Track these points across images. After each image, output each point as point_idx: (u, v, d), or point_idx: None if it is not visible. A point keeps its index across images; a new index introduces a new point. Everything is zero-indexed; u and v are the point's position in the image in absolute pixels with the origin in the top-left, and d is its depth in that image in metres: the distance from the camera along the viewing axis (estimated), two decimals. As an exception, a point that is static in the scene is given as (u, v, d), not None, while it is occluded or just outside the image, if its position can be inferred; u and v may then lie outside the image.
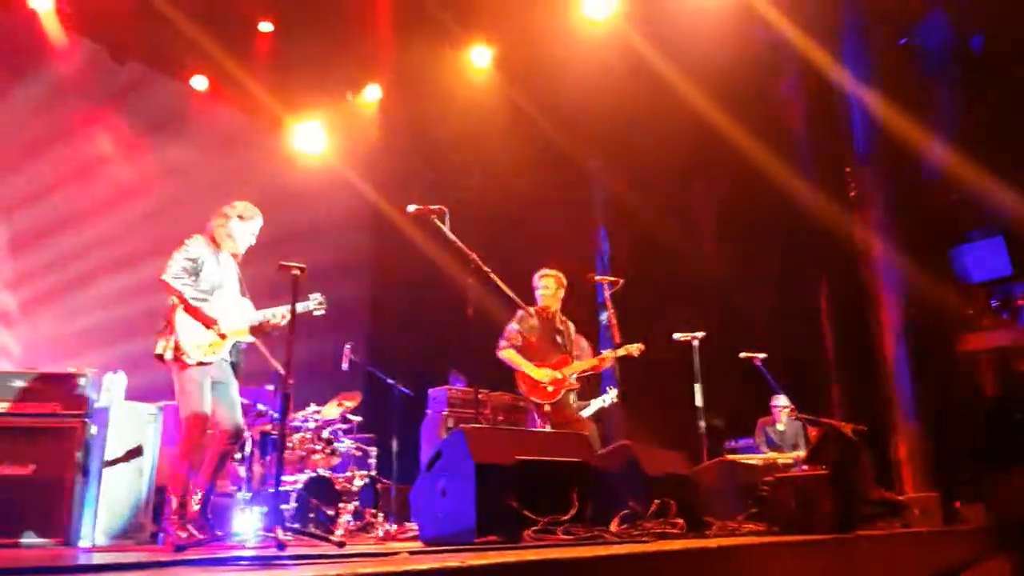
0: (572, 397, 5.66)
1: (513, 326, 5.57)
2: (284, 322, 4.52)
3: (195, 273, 4.33)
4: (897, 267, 8.34)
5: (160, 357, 4.29)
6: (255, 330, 4.57)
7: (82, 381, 5.16)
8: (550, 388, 5.41)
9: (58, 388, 5.10)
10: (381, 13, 8.79)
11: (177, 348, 4.20)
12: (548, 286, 5.76)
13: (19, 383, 5.06)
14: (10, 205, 7.41)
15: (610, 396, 6.31)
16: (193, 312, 4.24)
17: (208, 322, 4.27)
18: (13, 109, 7.53)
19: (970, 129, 8.32)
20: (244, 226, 4.60)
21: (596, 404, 6.23)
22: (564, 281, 5.84)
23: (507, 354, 5.50)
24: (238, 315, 4.47)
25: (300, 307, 4.45)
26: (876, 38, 8.82)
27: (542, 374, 5.42)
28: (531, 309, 5.63)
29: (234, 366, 4.52)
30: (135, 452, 5.25)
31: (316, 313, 4.74)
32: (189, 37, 8.59)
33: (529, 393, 5.44)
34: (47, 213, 7.57)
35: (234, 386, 4.50)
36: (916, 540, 4.14)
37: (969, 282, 8.58)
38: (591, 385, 6.31)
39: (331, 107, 10.10)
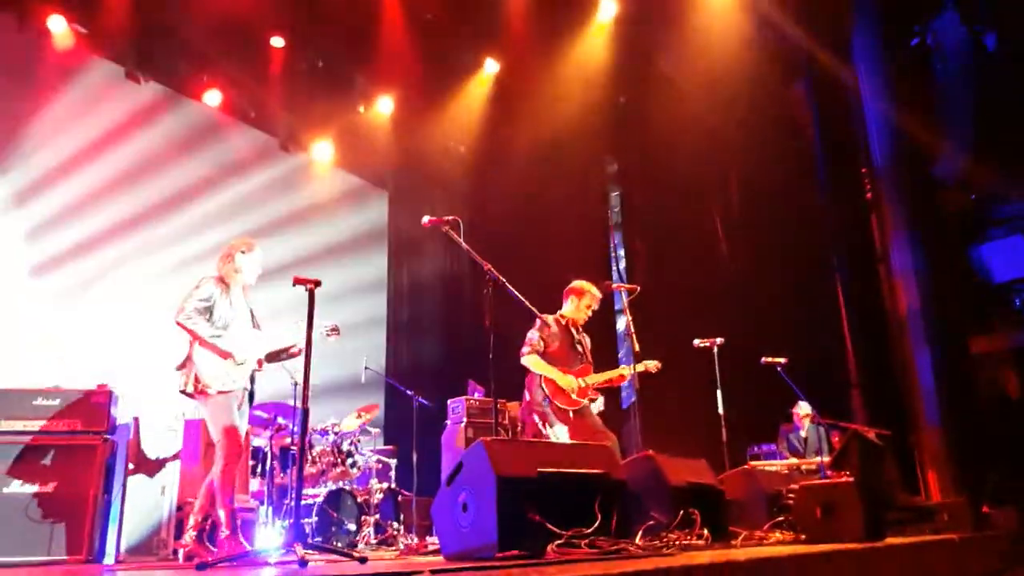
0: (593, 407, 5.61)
1: (534, 333, 5.50)
2: (296, 349, 4.81)
3: (208, 312, 4.58)
4: (915, 269, 8.25)
5: (184, 392, 4.54)
6: (270, 358, 4.81)
7: (103, 398, 5.19)
8: (574, 395, 5.37)
9: (79, 405, 5.13)
10: (390, 25, 8.80)
11: (197, 381, 4.47)
12: (591, 305, 5.69)
13: (40, 401, 5.10)
14: (34, 224, 7.48)
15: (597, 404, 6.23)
16: (210, 347, 4.51)
17: (224, 355, 4.53)
18: (35, 129, 7.60)
19: (985, 127, 8.23)
20: (249, 258, 4.82)
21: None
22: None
23: (531, 359, 5.43)
24: (252, 346, 4.70)
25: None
26: (888, 38, 8.75)
27: (568, 380, 5.37)
28: (550, 317, 5.58)
29: (250, 395, 4.77)
30: (157, 469, 5.27)
31: (329, 338, 4.83)
32: (201, 54, 8.67)
33: (554, 397, 5.38)
34: (70, 231, 7.63)
35: (246, 415, 4.75)
36: (948, 547, 4.06)
37: (990, 281, 8.47)
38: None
39: (344, 121, 10.12)
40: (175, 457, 5.45)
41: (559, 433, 5.37)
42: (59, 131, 7.74)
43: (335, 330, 4.88)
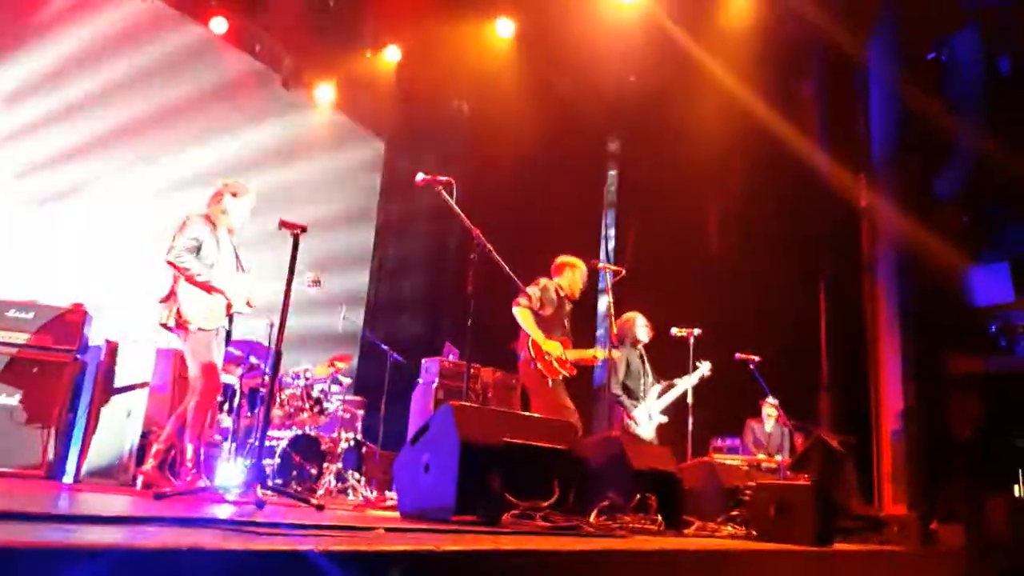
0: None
1: (535, 289, 5.43)
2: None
3: (196, 251, 4.55)
4: (898, 280, 8.30)
5: (165, 325, 4.54)
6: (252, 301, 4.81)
7: (77, 317, 5.16)
8: (555, 364, 5.37)
9: (53, 322, 5.11)
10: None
11: (179, 315, 4.46)
12: (584, 277, 5.75)
13: (13, 313, 5.08)
14: (17, 137, 7.32)
15: (703, 368, 6.30)
16: (200, 285, 4.50)
17: (212, 291, 4.52)
18: (27, 33, 7.41)
19: (990, 150, 8.23)
20: (238, 202, 4.79)
21: (689, 381, 6.20)
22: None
23: (522, 312, 5.36)
24: (238, 287, 4.69)
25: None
26: (904, 49, 8.70)
27: (552, 346, 5.37)
28: (552, 283, 5.60)
29: (227, 334, 4.78)
30: (125, 394, 5.26)
31: (310, 289, 4.84)
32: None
33: (537, 359, 5.36)
34: (53, 146, 7.48)
35: (222, 353, 4.76)
36: (893, 559, 4.15)
37: (971, 305, 8.53)
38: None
39: (349, 64, 9.96)
40: (144, 384, 5.43)
41: (642, 429, 5.69)
42: (52, 39, 7.54)
43: (316, 282, 4.88)
